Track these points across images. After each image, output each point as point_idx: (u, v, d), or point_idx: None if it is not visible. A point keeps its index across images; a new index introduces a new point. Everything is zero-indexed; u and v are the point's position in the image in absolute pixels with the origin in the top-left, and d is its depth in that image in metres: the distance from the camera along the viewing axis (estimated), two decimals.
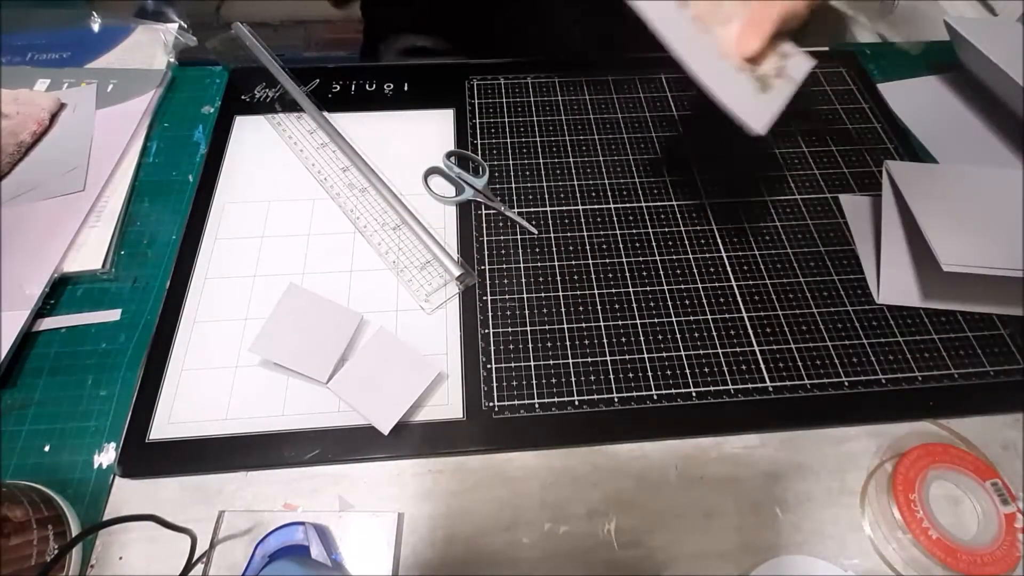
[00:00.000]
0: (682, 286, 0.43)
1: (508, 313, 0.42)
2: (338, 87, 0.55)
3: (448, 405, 0.38)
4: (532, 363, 0.40)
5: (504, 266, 0.44)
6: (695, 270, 0.44)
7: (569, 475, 0.36)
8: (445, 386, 0.39)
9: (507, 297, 0.43)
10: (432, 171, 0.49)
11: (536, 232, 0.46)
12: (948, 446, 0.36)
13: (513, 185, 0.49)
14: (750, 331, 0.42)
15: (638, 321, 0.42)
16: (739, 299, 0.43)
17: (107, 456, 0.36)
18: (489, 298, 0.43)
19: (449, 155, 0.50)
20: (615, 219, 0.47)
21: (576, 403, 0.38)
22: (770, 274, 0.44)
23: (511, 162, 0.50)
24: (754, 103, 0.35)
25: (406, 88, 0.55)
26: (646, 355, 0.40)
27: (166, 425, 0.37)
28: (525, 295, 0.43)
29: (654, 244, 0.46)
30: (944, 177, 0.45)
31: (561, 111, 0.54)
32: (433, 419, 0.38)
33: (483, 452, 0.37)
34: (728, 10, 0.37)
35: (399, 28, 0.67)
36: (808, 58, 0.38)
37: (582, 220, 0.47)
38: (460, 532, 0.34)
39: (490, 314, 0.42)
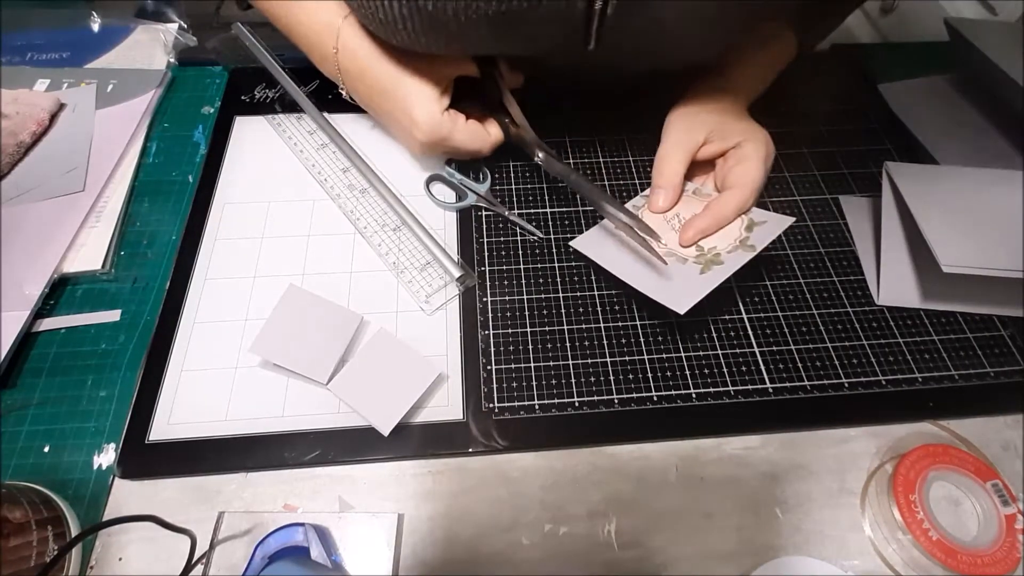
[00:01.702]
0: None
1: (508, 314, 0.42)
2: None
3: (448, 406, 0.38)
4: (532, 364, 0.40)
5: (504, 267, 0.44)
6: None
7: (569, 476, 0.36)
8: (445, 387, 0.39)
9: (507, 298, 0.43)
10: (434, 178, 0.49)
11: (541, 235, 0.46)
12: (948, 447, 0.36)
13: (513, 186, 0.49)
14: (750, 332, 0.42)
15: (638, 322, 0.42)
16: (739, 300, 0.43)
17: (107, 457, 0.36)
18: (489, 299, 0.43)
19: (450, 161, 0.50)
20: None
21: (576, 404, 0.38)
22: (770, 275, 0.44)
23: (511, 163, 0.50)
24: (681, 289, 0.38)
25: None
26: (646, 356, 0.40)
27: (166, 426, 0.37)
28: (525, 296, 0.43)
29: None
30: (944, 178, 0.45)
31: (561, 111, 0.54)
32: (433, 420, 0.38)
33: (483, 453, 0.37)
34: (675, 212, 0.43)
35: None
36: (779, 222, 0.40)
37: (582, 221, 0.47)
38: (460, 533, 0.34)
39: (490, 315, 0.42)
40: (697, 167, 0.45)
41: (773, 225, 0.40)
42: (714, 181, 0.45)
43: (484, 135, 0.46)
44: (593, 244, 0.43)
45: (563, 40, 0.38)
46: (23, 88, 0.53)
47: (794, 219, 0.40)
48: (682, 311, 0.36)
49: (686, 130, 0.43)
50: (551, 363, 0.40)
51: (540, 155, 0.45)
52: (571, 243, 0.44)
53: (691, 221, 0.41)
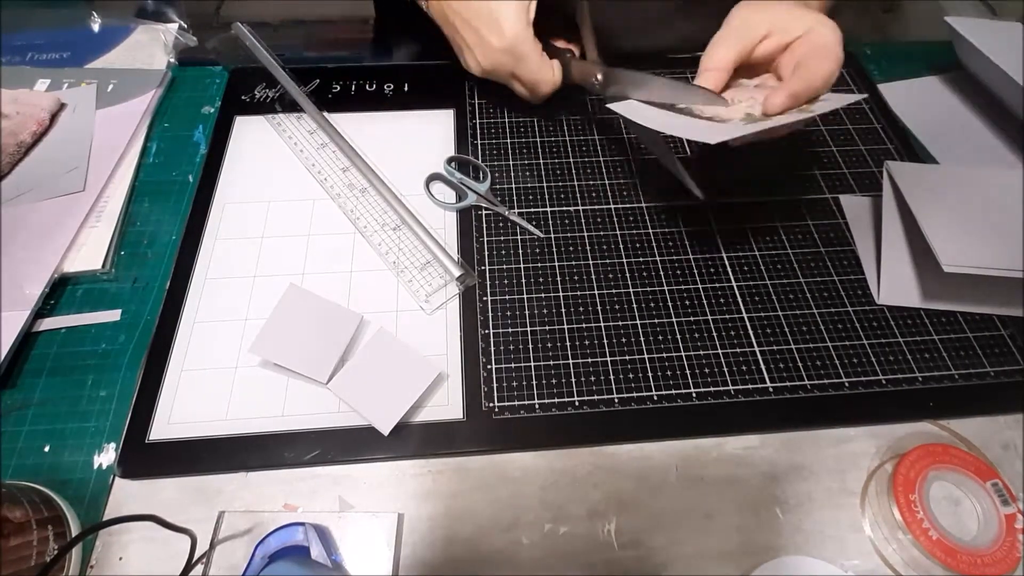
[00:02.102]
0: (682, 286, 0.43)
1: (508, 313, 0.42)
2: (338, 87, 0.55)
3: (448, 405, 0.38)
4: (532, 363, 0.40)
5: (504, 266, 0.44)
6: (695, 270, 0.44)
7: (569, 476, 0.36)
8: (445, 386, 0.39)
9: (507, 297, 0.43)
10: (434, 177, 0.49)
11: (541, 234, 0.46)
12: (948, 447, 0.36)
13: (513, 185, 0.49)
14: (750, 331, 0.42)
15: (638, 322, 0.42)
16: (739, 299, 0.43)
17: (107, 456, 0.36)
18: (489, 298, 0.43)
19: (450, 160, 0.50)
20: (615, 219, 0.47)
21: (576, 403, 0.38)
22: (770, 274, 0.44)
23: (511, 162, 0.50)
24: (720, 129, 0.37)
25: (406, 88, 0.55)
26: (646, 355, 0.40)
27: (166, 425, 0.37)
28: (525, 295, 0.43)
29: (654, 244, 0.46)
30: (944, 177, 0.45)
31: (561, 111, 0.54)
32: (433, 419, 0.38)
33: (483, 453, 0.37)
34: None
35: (410, 27, 0.67)
36: (842, 98, 0.39)
37: (582, 220, 0.47)
38: (460, 533, 0.34)
39: (490, 314, 0.42)
40: (756, 73, 0.43)
41: (836, 100, 0.39)
42: (780, 73, 0.41)
43: (550, 72, 0.45)
44: (630, 108, 0.43)
45: None
46: (23, 88, 0.53)
47: (863, 96, 0.39)
48: (714, 141, 0.35)
49: (746, 19, 0.41)
50: (551, 363, 0.40)
51: (599, 76, 0.45)
52: (608, 104, 0.43)
53: (781, 86, 0.38)
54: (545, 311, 0.42)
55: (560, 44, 0.47)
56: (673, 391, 0.39)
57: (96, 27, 0.60)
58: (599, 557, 0.34)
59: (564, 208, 0.48)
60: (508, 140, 0.52)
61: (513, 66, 0.44)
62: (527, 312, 0.42)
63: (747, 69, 0.42)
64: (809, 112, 0.37)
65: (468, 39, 0.45)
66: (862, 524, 0.35)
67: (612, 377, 0.39)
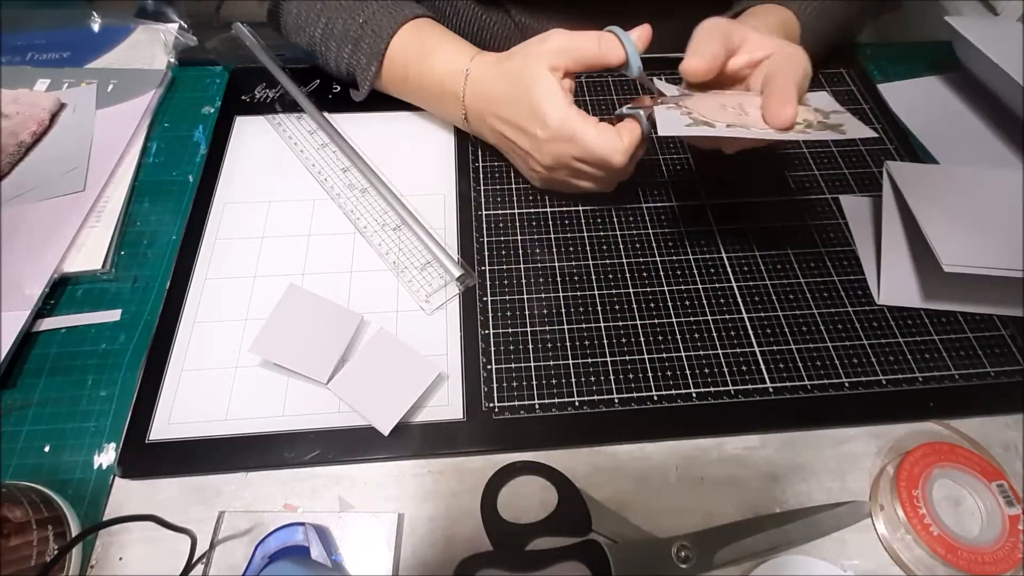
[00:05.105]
0: (682, 287, 0.43)
1: (508, 314, 0.42)
2: (338, 87, 0.55)
3: (448, 406, 0.38)
4: (532, 364, 0.40)
5: (504, 266, 0.44)
6: (695, 271, 0.44)
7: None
8: (445, 386, 0.39)
9: (507, 298, 0.43)
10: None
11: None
12: (954, 446, 0.36)
13: (513, 186, 0.49)
14: (750, 332, 0.42)
15: (638, 322, 0.42)
16: (739, 300, 0.43)
17: (107, 456, 0.36)
18: (489, 299, 0.43)
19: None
20: (615, 220, 0.47)
21: (576, 404, 0.38)
22: (770, 275, 0.44)
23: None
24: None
25: None
26: (646, 356, 0.40)
27: (166, 425, 0.37)
28: (525, 296, 0.43)
29: (654, 244, 0.46)
30: (944, 177, 0.45)
31: None
32: (433, 420, 0.38)
33: (483, 453, 0.37)
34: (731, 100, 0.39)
35: None
36: (857, 127, 0.37)
37: (582, 221, 0.47)
38: (460, 533, 0.34)
39: (490, 315, 0.42)
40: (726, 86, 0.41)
41: (853, 127, 0.37)
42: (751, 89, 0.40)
43: (615, 137, 0.39)
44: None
45: None
46: (23, 88, 0.53)
47: (873, 135, 0.38)
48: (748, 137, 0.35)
49: (720, 23, 0.39)
50: (551, 363, 0.40)
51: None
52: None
53: (778, 97, 0.36)
54: (545, 311, 0.42)
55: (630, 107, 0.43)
56: (673, 391, 0.39)
57: (96, 27, 0.60)
58: None
59: (564, 208, 0.48)
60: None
61: (571, 150, 0.40)
62: (527, 312, 0.42)
63: (717, 83, 0.40)
64: (839, 132, 0.36)
65: (522, 143, 0.42)
66: (869, 523, 0.35)
67: (612, 377, 0.39)
